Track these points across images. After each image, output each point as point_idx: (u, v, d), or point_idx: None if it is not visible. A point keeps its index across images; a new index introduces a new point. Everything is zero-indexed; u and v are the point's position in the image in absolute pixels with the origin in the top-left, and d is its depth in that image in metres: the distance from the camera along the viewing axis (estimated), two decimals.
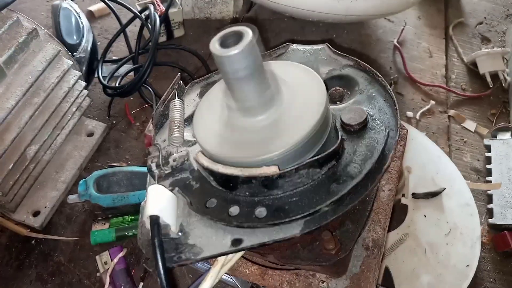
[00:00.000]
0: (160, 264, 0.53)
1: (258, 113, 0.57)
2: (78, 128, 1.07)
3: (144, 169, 0.96)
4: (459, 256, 1.01)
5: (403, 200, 1.08)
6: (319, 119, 0.55)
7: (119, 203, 0.94)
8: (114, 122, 1.19)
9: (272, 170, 0.52)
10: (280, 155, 0.54)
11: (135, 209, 0.92)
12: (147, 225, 0.56)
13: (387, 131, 0.57)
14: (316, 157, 0.53)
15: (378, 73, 0.66)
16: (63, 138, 1.00)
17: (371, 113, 0.61)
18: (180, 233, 0.57)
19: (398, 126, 0.58)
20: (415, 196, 1.09)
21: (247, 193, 0.56)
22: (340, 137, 0.56)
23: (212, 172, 0.57)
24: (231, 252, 0.54)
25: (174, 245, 0.57)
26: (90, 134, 1.09)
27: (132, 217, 0.94)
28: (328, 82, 0.69)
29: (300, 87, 0.60)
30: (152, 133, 0.75)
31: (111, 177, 0.95)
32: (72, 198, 0.96)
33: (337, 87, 0.69)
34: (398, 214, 1.06)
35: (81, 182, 0.96)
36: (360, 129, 0.58)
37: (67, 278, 0.94)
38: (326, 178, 0.55)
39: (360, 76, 0.68)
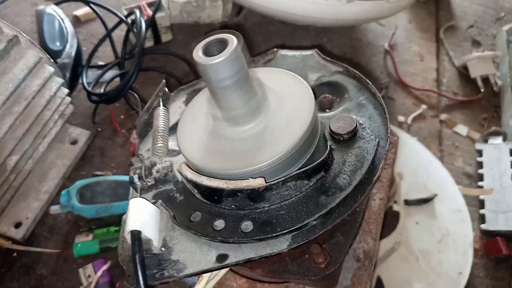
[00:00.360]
0: (141, 282, 0.51)
1: (244, 123, 0.56)
2: (62, 136, 1.04)
3: None
4: (452, 263, 1.00)
5: (395, 207, 1.06)
6: (307, 128, 0.54)
7: (103, 213, 0.91)
8: (99, 129, 1.16)
9: (259, 182, 0.51)
10: (267, 166, 0.52)
11: (120, 219, 0.90)
12: (129, 240, 0.54)
13: (377, 140, 0.55)
14: (304, 169, 0.52)
15: (368, 80, 0.64)
16: (45, 147, 0.98)
17: (361, 122, 0.59)
18: (163, 248, 0.55)
19: (388, 135, 0.56)
20: (407, 202, 1.08)
21: (233, 206, 0.54)
22: (329, 147, 0.55)
23: (196, 185, 0.55)
24: (216, 269, 0.52)
25: (157, 261, 0.55)
26: (74, 142, 1.06)
27: (117, 228, 0.92)
28: (317, 89, 0.68)
29: (288, 95, 0.59)
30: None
31: (95, 187, 0.92)
32: (55, 209, 0.94)
33: (327, 94, 0.67)
34: (390, 221, 1.05)
35: (63, 192, 0.93)
36: (350, 138, 0.57)
37: None
38: (315, 190, 0.53)
39: (349, 83, 0.67)
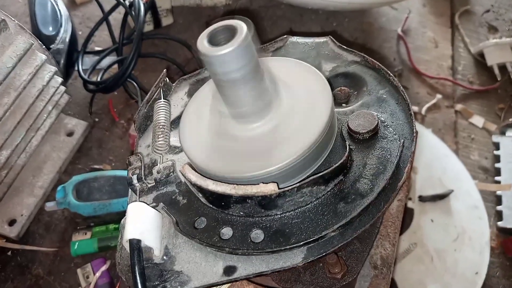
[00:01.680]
0: None
1: (254, 120, 0.51)
2: (57, 127, 1.00)
3: None
4: (468, 263, 0.96)
5: (409, 204, 1.02)
6: (324, 127, 0.49)
7: (101, 211, 0.87)
8: (97, 120, 1.11)
9: (271, 188, 0.46)
10: (279, 170, 0.47)
11: (119, 217, 0.86)
12: (127, 248, 0.50)
13: (401, 140, 0.50)
14: (321, 173, 0.47)
15: (389, 72, 0.59)
16: (39, 140, 0.93)
17: (382, 119, 0.54)
18: (165, 257, 0.51)
19: (414, 134, 0.51)
20: (421, 199, 1.03)
21: (242, 213, 0.50)
22: (348, 148, 0.50)
23: (201, 189, 0.51)
24: (224, 283, 0.47)
25: (158, 272, 0.50)
26: (70, 134, 1.02)
27: (116, 226, 0.88)
28: (332, 81, 0.63)
29: (302, 89, 0.54)
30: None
31: (92, 183, 0.88)
32: (50, 205, 0.89)
33: (343, 87, 0.62)
34: (404, 218, 1.00)
35: (59, 188, 0.89)
36: (370, 138, 0.52)
37: None
38: (332, 196, 0.49)
39: (368, 74, 0.62)
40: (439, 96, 1.32)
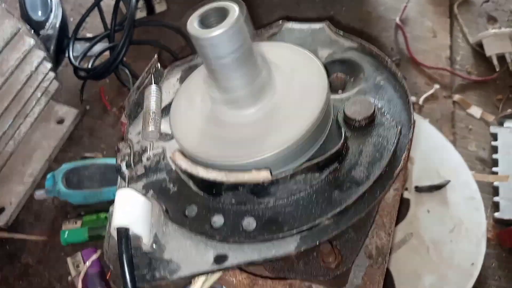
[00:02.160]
0: (129, 285, 0.45)
1: (247, 106, 0.49)
2: (47, 115, 0.98)
3: None
4: (464, 254, 0.96)
5: (405, 194, 1.01)
6: (319, 113, 0.48)
7: (92, 200, 0.86)
8: (88, 107, 1.10)
9: (263, 175, 0.45)
10: (273, 157, 0.46)
11: (110, 206, 0.85)
12: (115, 237, 0.49)
13: (398, 127, 0.49)
14: (315, 161, 0.46)
15: (387, 58, 0.58)
16: (27, 127, 0.91)
17: (379, 106, 0.53)
18: (154, 246, 0.50)
19: (412, 121, 0.50)
20: (418, 189, 1.03)
21: (233, 201, 0.48)
22: (343, 135, 0.49)
23: (191, 176, 0.49)
24: (214, 271, 0.46)
25: (147, 260, 0.49)
26: (61, 121, 1.00)
27: (107, 215, 0.86)
28: (328, 67, 0.61)
29: (296, 74, 0.52)
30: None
31: (83, 171, 0.87)
32: (39, 194, 0.88)
33: (339, 74, 0.61)
34: (400, 209, 0.99)
35: (48, 176, 0.87)
36: (367, 125, 0.51)
37: (36, 282, 0.86)
38: (327, 184, 0.47)
39: (365, 61, 0.60)
40: (437, 86, 1.30)
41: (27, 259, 0.88)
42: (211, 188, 0.49)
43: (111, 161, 0.91)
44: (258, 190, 0.46)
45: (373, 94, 0.55)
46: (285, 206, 0.47)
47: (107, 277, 0.84)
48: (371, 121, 0.51)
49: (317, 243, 0.44)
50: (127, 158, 0.56)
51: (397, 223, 0.98)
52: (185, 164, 0.49)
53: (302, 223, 0.44)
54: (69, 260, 0.84)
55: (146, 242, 0.50)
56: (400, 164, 0.47)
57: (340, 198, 0.46)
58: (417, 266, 0.92)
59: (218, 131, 0.50)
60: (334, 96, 0.57)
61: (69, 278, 0.84)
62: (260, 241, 0.45)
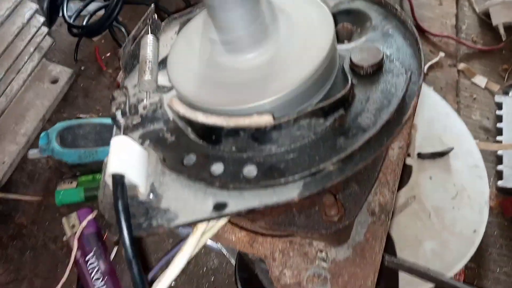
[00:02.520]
0: (125, 232, 0.44)
1: (247, 50, 0.47)
2: (40, 74, 0.95)
3: None
4: (466, 221, 0.95)
5: (408, 160, 1.00)
6: (325, 56, 0.45)
7: (87, 159, 0.84)
8: (83, 68, 1.06)
9: (265, 119, 0.43)
10: (276, 102, 0.44)
11: None
12: (110, 185, 0.47)
13: (408, 73, 0.47)
14: (320, 105, 0.44)
15: (396, 6, 0.55)
16: (20, 84, 0.89)
17: (388, 53, 0.51)
18: (151, 196, 0.48)
19: (422, 68, 0.48)
20: (421, 156, 1.01)
21: (234, 148, 0.47)
22: (350, 81, 0.46)
23: (190, 122, 0.47)
24: (213, 218, 0.45)
25: (144, 210, 0.48)
26: (55, 81, 0.97)
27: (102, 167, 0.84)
28: (334, 18, 0.59)
29: (301, 17, 0.50)
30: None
31: (77, 130, 0.84)
32: (33, 153, 0.86)
33: (345, 23, 0.58)
34: (402, 175, 0.98)
35: (42, 134, 0.85)
36: (375, 72, 0.49)
37: (30, 242, 0.85)
38: (332, 131, 0.45)
39: (373, 10, 0.58)
40: (442, 54, 1.28)
41: (21, 219, 0.87)
42: (210, 135, 0.47)
43: (107, 121, 0.89)
44: (260, 135, 0.44)
45: (382, 43, 0.53)
46: (288, 152, 0.45)
47: (104, 237, 0.83)
48: (379, 68, 0.48)
49: (322, 189, 0.42)
50: (122, 106, 0.53)
51: (398, 189, 0.97)
52: (183, 110, 0.47)
53: (305, 169, 0.43)
54: (64, 220, 0.83)
55: (143, 191, 0.48)
56: (409, 111, 0.45)
57: (345, 144, 0.44)
58: (418, 232, 0.91)
59: (218, 76, 0.48)
60: (340, 46, 0.55)
61: (64, 238, 0.83)
62: (261, 187, 0.43)
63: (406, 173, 1.00)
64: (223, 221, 0.53)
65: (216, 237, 0.66)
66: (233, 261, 0.87)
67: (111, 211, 0.48)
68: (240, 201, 0.44)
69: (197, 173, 0.46)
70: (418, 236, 0.91)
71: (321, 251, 0.60)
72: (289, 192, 0.43)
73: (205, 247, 0.86)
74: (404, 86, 0.46)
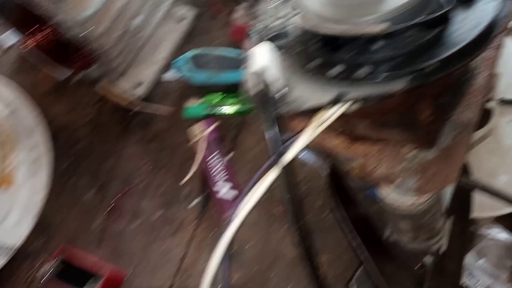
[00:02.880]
0: (271, 111, 0.58)
1: None
2: (171, 13, 1.13)
3: (236, 53, 0.99)
4: None
5: (490, 104, 1.04)
6: None
7: (213, 80, 1.00)
8: (204, 9, 1.23)
9: (380, 27, 0.54)
10: (390, 15, 0.55)
11: (227, 89, 0.98)
12: (252, 80, 0.61)
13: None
14: (427, 18, 0.54)
15: None
16: (157, 21, 1.06)
17: None
18: (284, 89, 0.62)
19: None
20: (503, 101, 1.05)
21: (351, 53, 0.58)
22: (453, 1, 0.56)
23: (315, 34, 0.59)
24: (336, 103, 0.57)
25: (280, 99, 0.61)
26: (182, 19, 1.14)
27: (225, 95, 1.00)
28: None
29: None
30: (239, 21, 0.76)
31: (206, 56, 1.01)
32: (168, 74, 1.04)
33: None
34: (482, 117, 1.03)
35: (178, 58, 1.03)
36: None
37: (165, 143, 1.05)
38: (434, 42, 0.55)
39: None
40: None
41: (156, 126, 1.07)
42: (332, 43, 0.59)
43: (227, 52, 1.04)
44: (375, 41, 0.55)
45: None
46: (398, 56, 0.56)
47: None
48: None
49: (425, 81, 0.53)
50: (258, 24, 0.67)
51: (478, 128, 1.03)
52: (311, 23, 0.59)
53: (411, 67, 0.54)
54: (191, 128, 1.01)
55: (279, 86, 0.62)
56: (499, 30, 0.54)
57: (445, 51, 0.54)
58: (494, 166, 0.97)
59: None
60: None
61: (191, 142, 1.01)
62: (374, 82, 0.55)
63: (485, 116, 1.05)
64: (336, 115, 0.66)
65: (315, 144, 0.78)
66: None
67: (254, 98, 0.63)
68: (356, 92, 0.57)
69: (321, 72, 0.59)
70: (493, 169, 0.97)
71: (412, 152, 0.70)
72: (398, 85, 0.55)
73: (299, 161, 1.00)
74: (499, 8, 0.55)
